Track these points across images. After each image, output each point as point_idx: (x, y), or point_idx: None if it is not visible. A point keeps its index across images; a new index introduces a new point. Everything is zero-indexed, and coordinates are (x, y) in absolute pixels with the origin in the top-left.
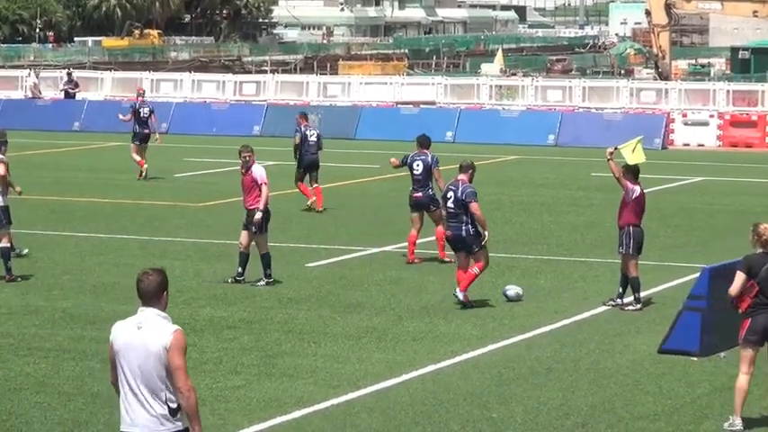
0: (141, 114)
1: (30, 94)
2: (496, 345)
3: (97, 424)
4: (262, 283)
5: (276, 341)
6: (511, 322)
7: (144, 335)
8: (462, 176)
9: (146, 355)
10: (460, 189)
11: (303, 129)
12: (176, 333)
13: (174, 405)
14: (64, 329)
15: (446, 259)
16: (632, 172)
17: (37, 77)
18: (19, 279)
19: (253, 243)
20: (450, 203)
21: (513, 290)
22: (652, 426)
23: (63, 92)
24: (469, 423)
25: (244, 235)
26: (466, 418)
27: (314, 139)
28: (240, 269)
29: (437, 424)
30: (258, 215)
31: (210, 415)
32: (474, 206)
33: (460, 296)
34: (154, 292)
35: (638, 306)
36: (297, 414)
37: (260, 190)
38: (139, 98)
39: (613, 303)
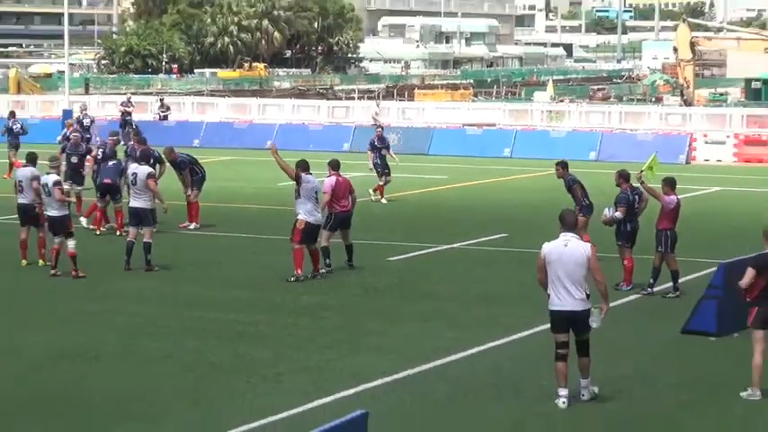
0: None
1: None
2: (526, 332)
3: (215, 389)
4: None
5: (362, 322)
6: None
7: (571, 249)
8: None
9: (574, 263)
10: None
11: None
12: (591, 246)
13: (587, 293)
14: (187, 311)
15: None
16: (670, 184)
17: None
18: (157, 269)
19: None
20: None
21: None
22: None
23: (157, 116)
24: (524, 391)
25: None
26: (523, 385)
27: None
28: (327, 260)
29: (502, 387)
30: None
31: (310, 384)
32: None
33: None
34: (573, 222)
35: (677, 293)
36: (379, 382)
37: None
38: (83, 111)
39: (645, 293)
